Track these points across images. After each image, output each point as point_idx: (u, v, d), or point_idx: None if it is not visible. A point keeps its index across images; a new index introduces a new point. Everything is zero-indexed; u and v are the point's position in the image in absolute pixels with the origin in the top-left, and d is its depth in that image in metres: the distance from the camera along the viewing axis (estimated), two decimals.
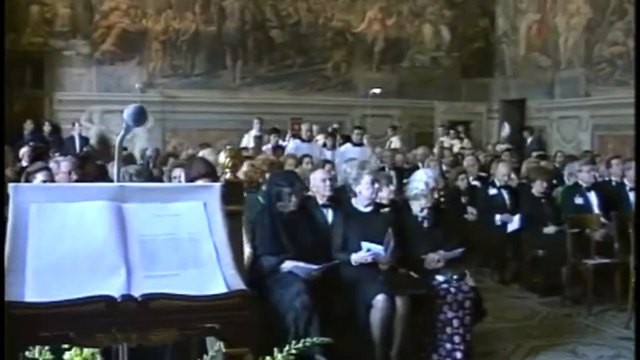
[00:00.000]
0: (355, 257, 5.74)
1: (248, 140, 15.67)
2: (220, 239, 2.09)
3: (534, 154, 14.66)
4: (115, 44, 18.50)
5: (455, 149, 14.45)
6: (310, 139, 14.33)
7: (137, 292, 1.87)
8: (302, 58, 19.71)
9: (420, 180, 6.23)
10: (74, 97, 18.12)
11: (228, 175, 2.29)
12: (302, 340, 2.61)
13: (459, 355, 5.74)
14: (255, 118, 16.21)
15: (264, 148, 14.19)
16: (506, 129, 17.62)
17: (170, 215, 2.14)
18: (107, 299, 1.84)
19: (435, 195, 6.35)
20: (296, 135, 15.41)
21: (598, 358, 6.42)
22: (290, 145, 14.04)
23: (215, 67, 19.14)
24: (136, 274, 1.94)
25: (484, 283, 9.36)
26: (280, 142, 14.83)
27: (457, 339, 5.73)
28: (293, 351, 2.26)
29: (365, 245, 5.74)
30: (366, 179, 6.02)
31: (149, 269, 1.97)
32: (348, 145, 14.20)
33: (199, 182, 5.42)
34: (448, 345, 5.75)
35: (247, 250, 5.52)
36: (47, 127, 16.88)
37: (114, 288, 1.88)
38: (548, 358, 6.42)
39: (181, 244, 2.06)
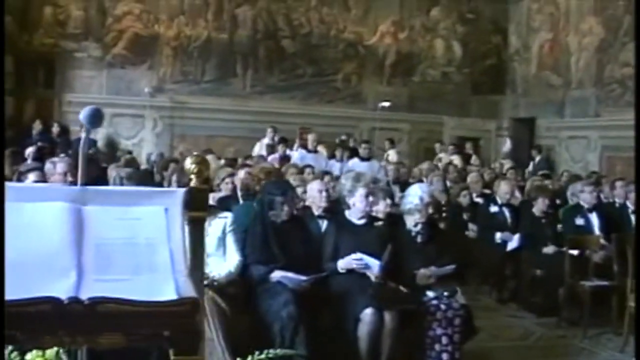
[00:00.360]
0: (341, 263, 5.74)
1: (260, 148, 15.59)
2: (177, 246, 2.06)
3: (540, 172, 14.58)
4: (127, 47, 18.57)
5: (457, 164, 14.35)
6: (315, 150, 14.50)
7: (85, 295, 1.84)
8: (313, 69, 19.73)
9: (415, 195, 6.20)
10: (84, 99, 18.02)
11: (193, 182, 2.26)
12: (266, 352, 2.59)
13: None
14: (269, 127, 16.07)
15: (270, 158, 13.95)
16: (507, 145, 17.56)
17: (131, 219, 2.12)
18: (53, 301, 1.81)
19: (430, 211, 6.31)
20: (303, 146, 15.49)
21: None
22: (296, 155, 14.08)
23: (226, 75, 19.19)
24: (87, 277, 1.92)
25: (482, 301, 9.34)
26: (288, 152, 14.80)
27: (445, 356, 5.68)
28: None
29: (359, 255, 5.72)
30: (360, 191, 6.00)
31: (101, 273, 1.94)
32: (356, 160, 14.24)
33: None
34: None
35: (236, 258, 5.51)
36: (55, 128, 16.92)
37: (62, 290, 1.85)
38: None
39: (138, 249, 2.03)
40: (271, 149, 15.28)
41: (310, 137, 14.76)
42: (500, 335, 7.81)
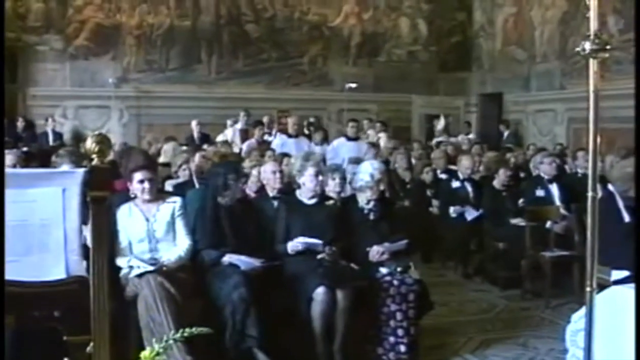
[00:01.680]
0: (290, 246, 5.77)
1: (233, 134, 15.13)
2: (72, 225, 2.05)
3: (504, 146, 14.65)
4: (89, 38, 18.43)
5: (382, 144, 13.77)
6: (297, 134, 13.16)
7: None
8: (278, 52, 19.68)
9: (366, 172, 6.18)
10: (48, 93, 18.04)
11: (95, 161, 2.24)
12: (181, 331, 2.57)
13: (402, 348, 5.68)
14: (241, 110, 15.71)
15: (246, 143, 13.45)
16: (441, 122, 17.34)
17: (26, 201, 2.10)
18: None
19: (382, 187, 6.30)
20: (283, 130, 14.56)
21: (549, 351, 6.36)
22: (277, 141, 13.01)
23: (190, 62, 19.10)
24: None
25: (447, 277, 9.38)
26: (266, 137, 14.11)
27: (400, 332, 5.67)
28: (160, 350, 2.21)
29: (301, 239, 5.74)
30: (310, 170, 5.97)
31: None
32: (342, 139, 12.98)
33: (137, 174, 5.42)
34: (392, 339, 5.70)
35: (186, 242, 5.49)
36: (20, 123, 16.78)
37: None
38: (498, 351, 6.37)
39: (30, 230, 2.02)
40: (245, 134, 14.89)
41: (291, 121, 13.49)
42: (464, 309, 7.84)
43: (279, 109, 17.98)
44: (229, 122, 15.81)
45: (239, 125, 15.42)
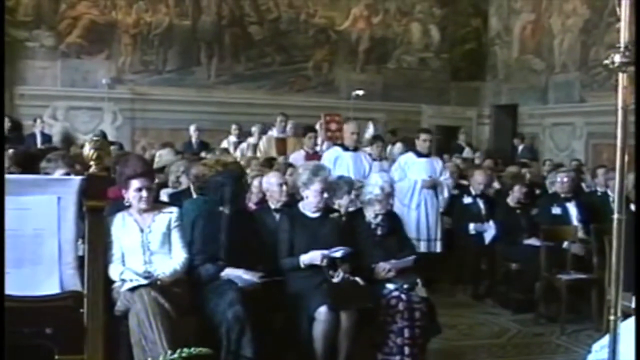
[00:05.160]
0: (305, 258, 5.73)
1: (268, 145, 13.49)
2: (67, 237, 2.03)
3: (519, 161, 14.61)
4: (82, 36, 18.35)
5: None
6: (356, 147, 10.35)
7: None
8: (282, 56, 19.62)
9: (375, 184, 6.17)
10: (37, 92, 17.98)
11: (92, 169, 2.22)
12: (179, 351, 2.54)
13: None
14: (279, 115, 14.44)
15: (293, 156, 11.62)
16: (370, 130, 16.05)
17: (19, 209, 2.08)
18: None
19: (391, 201, 6.29)
20: (331, 138, 13.28)
21: None
22: (330, 154, 10.28)
23: (189, 64, 19.03)
24: None
25: (457, 297, 9.36)
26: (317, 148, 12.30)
27: (407, 350, 5.65)
28: None
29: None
30: (316, 186, 5.94)
31: None
32: (410, 155, 10.31)
33: (135, 182, 5.40)
34: (397, 358, 5.68)
35: (182, 255, 5.47)
36: (7, 124, 16.73)
37: None
38: None
39: (22, 241, 2.00)
40: (282, 144, 13.27)
41: (348, 128, 10.46)
42: (473, 333, 7.82)
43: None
44: (253, 128, 15.21)
45: (274, 133, 13.83)
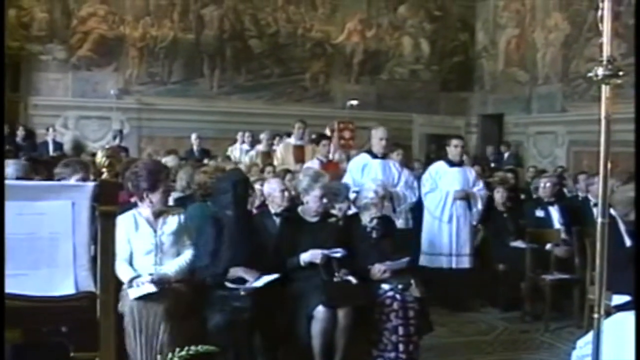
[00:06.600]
0: (307, 256, 5.70)
1: (283, 151, 12.52)
2: (81, 240, 2.02)
3: (506, 168, 14.59)
4: (92, 49, 18.45)
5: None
6: (385, 154, 9.01)
7: None
8: (281, 68, 19.72)
9: (370, 189, 6.17)
10: (50, 102, 18.04)
11: (104, 175, 2.21)
12: (186, 349, 2.54)
13: None
14: (297, 122, 12.94)
15: (307, 165, 10.34)
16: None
17: (34, 214, 2.07)
18: None
19: (385, 204, 6.28)
20: (346, 147, 12.73)
21: None
22: (357, 161, 9.05)
23: (193, 75, 19.13)
24: None
25: None
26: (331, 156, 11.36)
27: (402, 347, 5.64)
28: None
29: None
30: (316, 192, 5.93)
31: None
32: (441, 164, 9.26)
33: (152, 196, 5.35)
34: (392, 354, 5.66)
35: (188, 253, 5.40)
36: (20, 132, 16.73)
37: None
38: None
39: (39, 244, 1.99)
40: (300, 152, 12.20)
41: (377, 134, 9.00)
42: (462, 330, 7.80)
43: (280, 124, 17.68)
44: (262, 135, 14.38)
45: (292, 140, 12.74)
